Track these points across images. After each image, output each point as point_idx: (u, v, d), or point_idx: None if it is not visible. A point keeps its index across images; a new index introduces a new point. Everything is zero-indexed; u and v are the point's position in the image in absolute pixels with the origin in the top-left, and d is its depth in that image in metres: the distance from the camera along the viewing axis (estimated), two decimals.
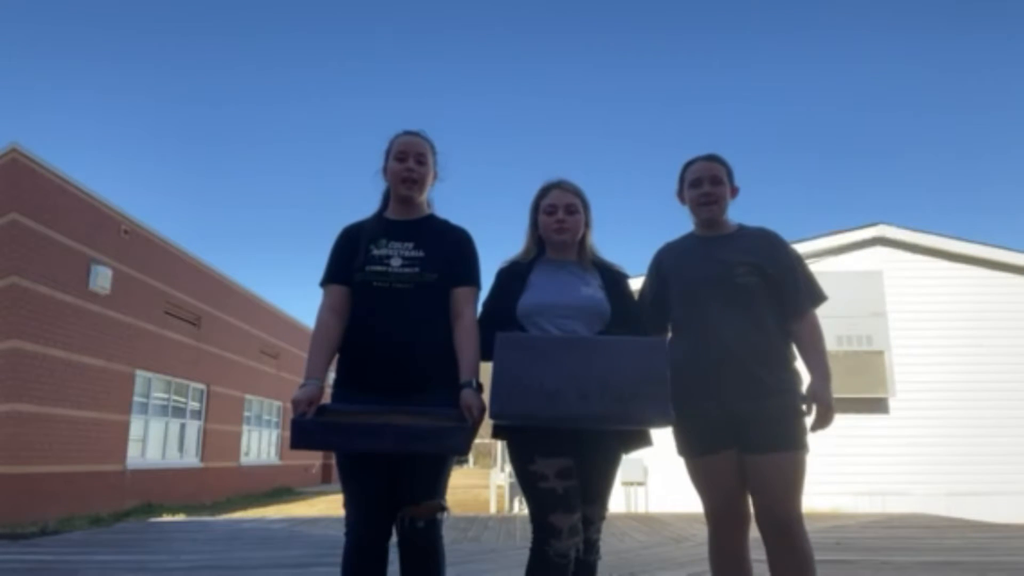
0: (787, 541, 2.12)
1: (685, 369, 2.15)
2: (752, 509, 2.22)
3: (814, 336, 2.27)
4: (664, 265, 2.43)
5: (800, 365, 2.27)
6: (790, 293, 2.27)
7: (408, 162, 2.24)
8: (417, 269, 2.16)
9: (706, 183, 2.34)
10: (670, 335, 2.40)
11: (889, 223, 10.46)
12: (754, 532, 2.24)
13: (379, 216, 2.32)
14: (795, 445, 2.14)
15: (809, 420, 2.19)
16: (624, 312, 2.24)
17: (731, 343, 2.18)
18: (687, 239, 2.46)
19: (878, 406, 9.64)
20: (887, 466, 9.39)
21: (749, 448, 2.15)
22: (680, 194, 2.46)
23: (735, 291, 2.23)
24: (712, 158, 2.39)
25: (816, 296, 2.34)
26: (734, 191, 2.41)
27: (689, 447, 2.28)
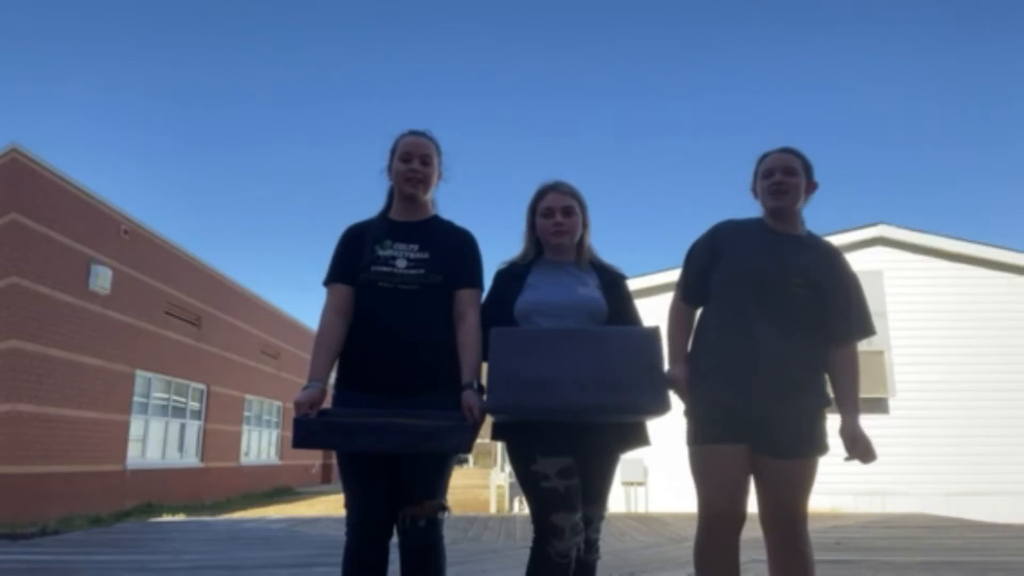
0: (792, 542, 2.12)
1: (715, 357, 2.13)
2: (758, 509, 2.19)
3: (852, 367, 2.18)
4: (721, 240, 2.30)
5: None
6: (841, 318, 2.17)
7: (413, 162, 2.25)
8: (422, 271, 2.17)
9: (778, 172, 2.23)
10: (701, 312, 2.31)
11: (889, 223, 10.46)
12: (747, 533, 2.23)
13: (384, 217, 2.32)
14: (817, 451, 2.13)
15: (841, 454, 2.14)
16: (621, 313, 2.24)
17: (766, 343, 2.10)
18: (754, 222, 2.32)
19: (878, 406, 9.64)
20: (887, 466, 9.33)
21: (771, 451, 2.11)
22: (754, 188, 2.33)
23: (785, 298, 2.14)
24: (788, 150, 2.29)
25: (866, 328, 2.23)
26: (811, 186, 2.28)
27: (703, 433, 2.16)
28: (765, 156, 2.31)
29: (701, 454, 2.17)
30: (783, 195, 2.22)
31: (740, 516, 2.12)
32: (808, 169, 2.28)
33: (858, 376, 2.19)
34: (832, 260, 2.24)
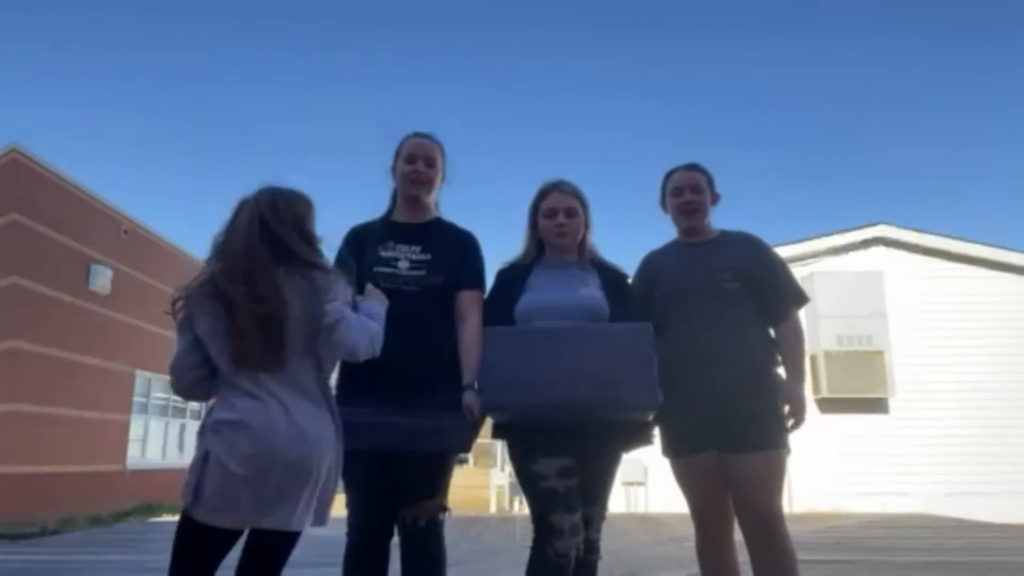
0: (768, 539, 2.16)
1: (668, 372, 2.16)
2: (733, 508, 2.24)
3: (795, 337, 2.36)
4: (650, 271, 2.49)
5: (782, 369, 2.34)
6: (773, 296, 2.34)
7: (417, 164, 2.26)
8: (424, 272, 2.17)
9: (687, 191, 2.41)
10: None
11: (889, 223, 10.46)
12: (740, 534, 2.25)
13: (386, 218, 2.34)
14: (773, 444, 2.19)
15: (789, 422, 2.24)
16: (623, 312, 2.24)
17: (714, 347, 2.23)
18: (671, 246, 2.51)
19: (878, 406, 9.63)
20: (887, 466, 9.38)
21: (729, 448, 2.20)
22: (663, 203, 2.53)
23: (720, 296, 2.28)
24: (692, 167, 2.46)
25: (799, 298, 2.40)
26: (715, 198, 2.46)
27: (673, 448, 2.33)
28: (671, 174, 2.48)
29: (675, 466, 2.35)
30: (693, 214, 2.42)
31: (728, 513, 2.27)
32: (711, 183, 2.46)
33: (802, 345, 2.37)
34: (751, 247, 2.41)
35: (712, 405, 2.21)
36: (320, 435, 1.73)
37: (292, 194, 1.87)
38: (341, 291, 1.79)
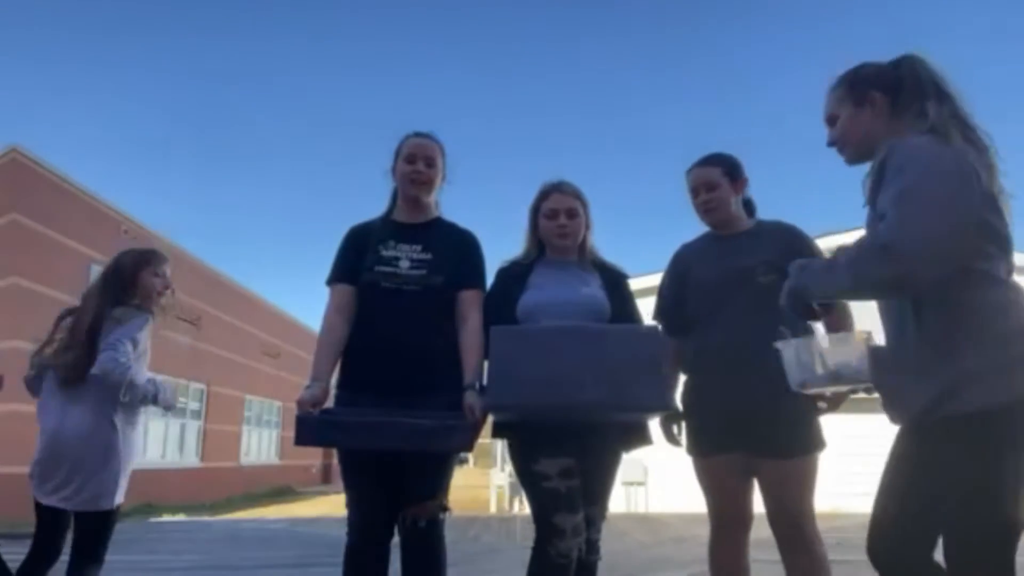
0: (800, 541, 2.12)
1: (702, 369, 2.14)
2: (765, 511, 2.19)
3: (835, 327, 2.15)
4: (682, 265, 2.38)
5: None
6: None
7: (417, 164, 2.26)
8: (424, 272, 2.17)
9: (702, 191, 2.29)
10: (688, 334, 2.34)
11: None
12: (757, 533, 2.24)
13: (387, 217, 2.33)
14: (813, 448, 2.13)
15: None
16: (624, 312, 2.24)
17: (750, 344, 2.10)
18: (704, 238, 2.39)
19: (878, 406, 9.59)
20: None
21: (760, 452, 2.11)
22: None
23: (756, 291, 2.16)
24: (705, 162, 2.33)
25: None
26: (739, 185, 2.32)
27: (698, 447, 2.23)
28: (688, 172, 2.36)
29: (699, 465, 2.24)
30: (712, 212, 2.29)
31: (747, 518, 2.20)
32: (731, 170, 2.30)
33: (844, 323, 2.09)
34: (788, 237, 2.28)
35: (742, 405, 2.11)
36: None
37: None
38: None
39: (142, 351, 2.53)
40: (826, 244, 2.53)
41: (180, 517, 9.82)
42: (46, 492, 2.58)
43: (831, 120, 1.74)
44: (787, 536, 2.13)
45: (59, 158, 13.72)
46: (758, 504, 2.18)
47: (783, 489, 2.11)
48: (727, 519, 2.23)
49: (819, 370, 1.65)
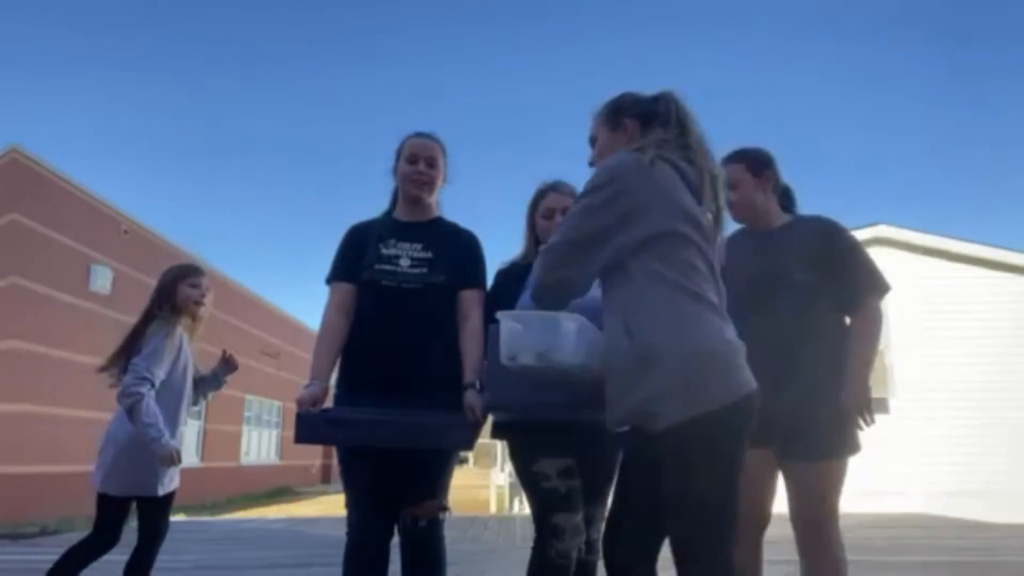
0: (820, 543, 2.12)
1: None
2: (788, 509, 2.18)
3: (864, 330, 2.14)
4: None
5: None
6: (847, 283, 2.15)
7: (419, 164, 2.26)
8: (425, 270, 2.17)
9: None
10: None
11: (889, 223, 10.45)
12: (772, 533, 2.23)
13: (388, 216, 2.34)
14: (845, 451, 2.11)
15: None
16: None
17: (787, 345, 2.08)
18: (740, 234, 2.32)
19: (878, 406, 9.50)
20: (887, 466, 9.37)
21: (788, 454, 2.11)
22: None
23: (788, 289, 2.12)
24: (725, 160, 2.24)
25: (877, 286, 2.19)
26: (764, 181, 2.25)
27: None
28: None
29: None
30: (736, 211, 2.23)
31: (764, 517, 2.20)
32: (752, 165, 2.24)
33: (870, 337, 2.14)
34: (825, 232, 2.21)
35: (776, 405, 2.01)
36: None
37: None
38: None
39: (165, 355, 2.66)
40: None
41: (180, 517, 9.82)
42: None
43: (592, 141, 1.85)
44: (807, 539, 2.13)
45: (59, 158, 13.74)
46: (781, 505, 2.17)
47: (806, 492, 2.11)
48: (745, 517, 2.17)
49: (524, 348, 1.69)
